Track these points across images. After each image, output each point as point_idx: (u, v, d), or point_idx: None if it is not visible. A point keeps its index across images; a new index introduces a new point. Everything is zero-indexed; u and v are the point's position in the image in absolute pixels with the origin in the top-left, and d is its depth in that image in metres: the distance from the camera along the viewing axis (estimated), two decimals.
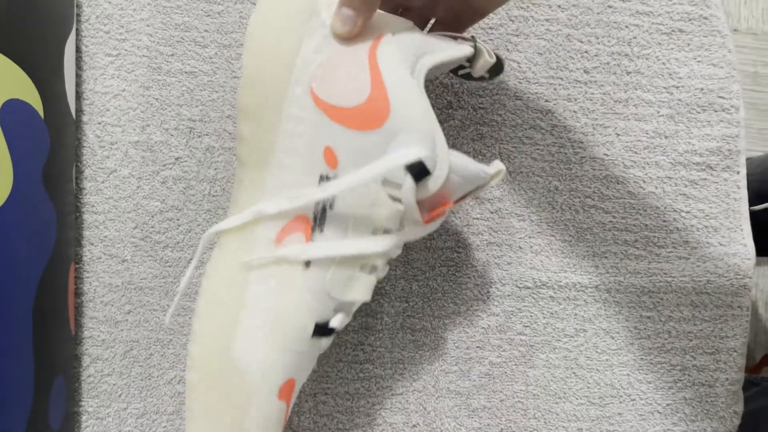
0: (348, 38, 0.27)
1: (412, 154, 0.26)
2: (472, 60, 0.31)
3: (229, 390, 0.27)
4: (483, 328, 0.37)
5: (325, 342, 0.29)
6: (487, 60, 0.31)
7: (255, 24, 0.27)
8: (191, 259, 0.36)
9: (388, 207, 0.27)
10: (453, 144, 0.38)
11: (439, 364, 0.37)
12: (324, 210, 0.27)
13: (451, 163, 0.27)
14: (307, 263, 0.27)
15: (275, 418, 0.28)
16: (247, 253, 0.27)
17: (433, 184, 0.27)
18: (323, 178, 0.27)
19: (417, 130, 0.26)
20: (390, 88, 0.27)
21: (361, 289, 0.28)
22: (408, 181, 0.26)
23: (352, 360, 0.37)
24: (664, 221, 0.38)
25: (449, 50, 0.29)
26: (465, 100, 0.38)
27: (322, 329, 0.28)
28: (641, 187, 0.39)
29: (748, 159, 0.47)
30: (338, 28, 0.27)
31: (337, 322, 0.28)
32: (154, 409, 0.36)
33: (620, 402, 0.37)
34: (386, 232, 0.28)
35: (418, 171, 0.26)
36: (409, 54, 0.28)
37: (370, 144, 0.26)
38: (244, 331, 0.27)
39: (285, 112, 0.27)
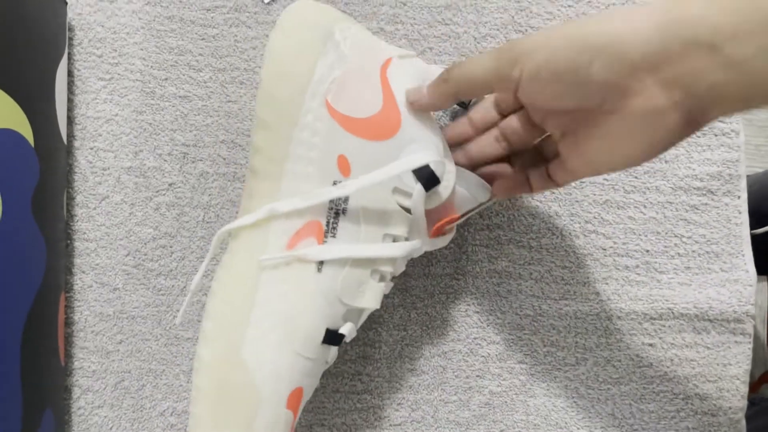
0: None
1: (421, 159, 0.27)
2: None
3: (237, 395, 0.27)
4: (483, 356, 0.37)
5: (333, 353, 0.29)
6: None
7: (275, 40, 0.28)
8: (201, 261, 0.36)
9: (398, 215, 0.28)
10: None
11: (438, 394, 0.36)
12: (337, 215, 0.28)
13: (458, 175, 0.29)
14: (320, 265, 0.28)
15: (282, 428, 0.27)
16: (259, 254, 0.28)
17: (443, 191, 0.28)
18: (337, 184, 0.28)
19: (426, 140, 0.28)
20: (400, 103, 0.28)
21: (370, 297, 0.29)
22: (418, 188, 0.27)
23: (350, 390, 0.36)
24: (665, 246, 0.38)
25: None
26: None
27: (332, 336, 0.28)
28: (642, 212, 0.38)
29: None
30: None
31: (346, 330, 0.29)
32: None
33: None
34: (395, 240, 0.29)
35: (428, 178, 0.27)
36: (416, 77, 0.29)
37: (382, 153, 0.28)
38: (254, 333, 0.27)
39: (300, 123, 0.28)
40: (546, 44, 0.24)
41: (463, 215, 0.30)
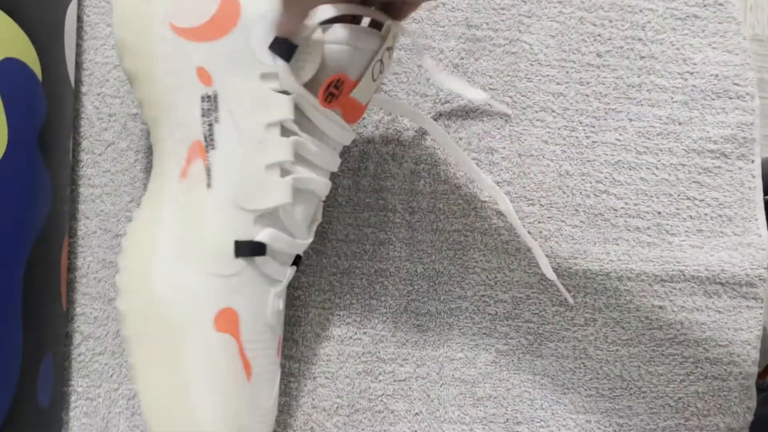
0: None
1: (266, 32, 0.26)
2: None
3: (159, 330, 0.26)
4: (490, 314, 0.36)
5: (273, 266, 0.28)
6: None
7: None
8: None
9: (276, 100, 0.27)
10: (461, 125, 0.37)
11: (444, 351, 0.36)
12: (211, 126, 0.27)
13: (329, 34, 0.27)
14: (209, 180, 0.27)
15: (221, 353, 0.27)
16: (158, 194, 0.28)
17: (309, 57, 0.27)
18: (205, 99, 0.27)
19: (270, 14, 0.27)
20: None
21: (275, 194, 0.27)
22: (279, 62, 0.26)
23: (354, 344, 0.35)
24: (677, 209, 0.37)
25: None
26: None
27: (248, 247, 0.27)
28: (654, 174, 0.38)
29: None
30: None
31: (266, 236, 0.27)
32: None
33: (630, 395, 0.36)
34: (285, 127, 0.27)
35: (286, 48, 0.26)
36: None
37: (233, 47, 0.27)
38: (159, 261, 0.27)
39: (158, 56, 0.27)
40: None
41: (359, 78, 0.28)
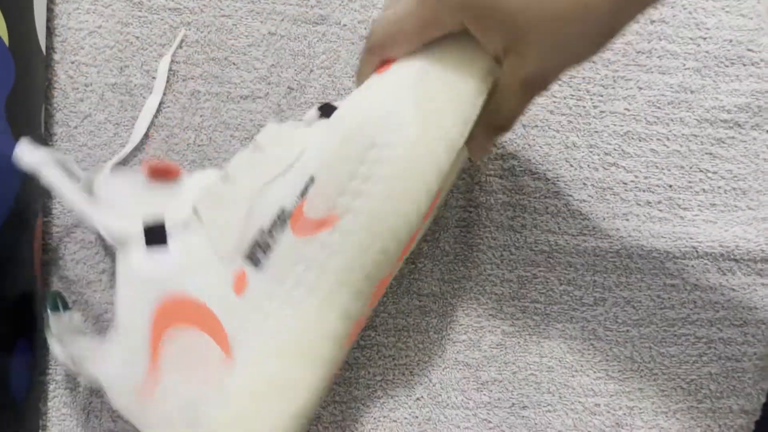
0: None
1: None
2: None
3: None
4: (496, 294, 0.34)
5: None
6: None
7: None
8: None
9: None
10: None
11: (446, 333, 0.34)
12: None
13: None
14: None
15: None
16: None
17: None
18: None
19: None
20: None
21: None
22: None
23: None
24: (689, 182, 0.36)
25: None
26: None
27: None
28: (665, 145, 0.36)
29: None
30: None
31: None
32: None
33: (641, 377, 0.34)
34: None
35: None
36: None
37: None
38: None
39: None
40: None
41: None
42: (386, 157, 0.23)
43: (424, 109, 0.24)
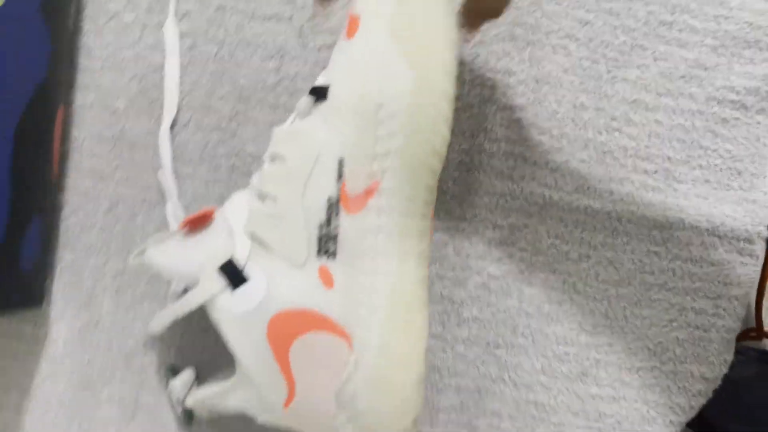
0: None
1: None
2: None
3: None
4: (487, 238, 0.36)
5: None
6: None
7: None
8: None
9: None
10: (480, 42, 0.36)
11: (435, 268, 0.35)
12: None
13: None
14: None
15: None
16: None
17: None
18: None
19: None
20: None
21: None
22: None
23: None
24: (689, 156, 0.37)
25: None
26: None
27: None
28: (670, 118, 0.37)
29: None
30: None
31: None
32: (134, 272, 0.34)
33: (612, 333, 0.36)
34: None
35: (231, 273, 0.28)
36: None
37: None
38: None
39: None
40: None
41: None
42: (395, 110, 0.25)
43: (408, 49, 0.25)
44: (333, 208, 0.26)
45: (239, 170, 0.35)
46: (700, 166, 0.37)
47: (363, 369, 0.26)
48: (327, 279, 0.27)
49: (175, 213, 0.31)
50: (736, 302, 0.37)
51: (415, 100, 0.25)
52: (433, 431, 0.35)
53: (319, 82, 0.27)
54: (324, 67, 0.29)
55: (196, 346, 0.34)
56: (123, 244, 0.34)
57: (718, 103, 0.37)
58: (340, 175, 0.26)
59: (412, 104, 0.25)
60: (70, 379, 0.33)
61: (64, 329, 0.33)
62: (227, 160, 0.34)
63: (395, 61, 0.25)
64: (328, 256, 0.27)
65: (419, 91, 0.25)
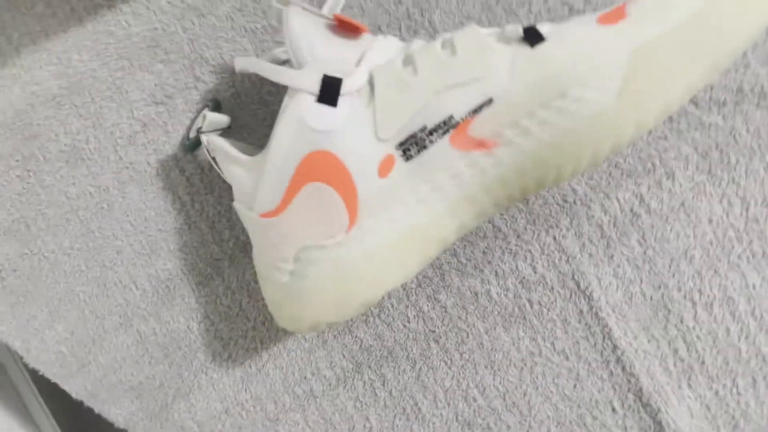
0: None
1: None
2: None
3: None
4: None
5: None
6: None
7: None
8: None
9: None
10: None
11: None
12: None
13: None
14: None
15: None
16: None
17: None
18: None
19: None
20: None
21: None
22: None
23: None
24: None
25: None
26: None
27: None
28: None
29: None
30: None
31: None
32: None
33: None
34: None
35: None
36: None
37: None
38: None
39: None
40: None
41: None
42: (570, 112, 0.25)
43: (630, 84, 0.25)
44: (446, 126, 0.26)
45: (414, 22, 0.33)
46: None
47: (344, 253, 0.26)
48: (385, 169, 0.26)
49: (336, 3, 0.28)
50: None
51: (594, 121, 0.25)
52: None
53: (544, 30, 0.26)
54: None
55: (247, 120, 0.33)
56: None
57: None
58: (477, 110, 0.26)
59: (587, 121, 0.25)
60: None
61: None
62: (402, 6, 0.33)
63: (614, 82, 0.25)
64: (403, 154, 0.26)
65: (602, 118, 0.25)
